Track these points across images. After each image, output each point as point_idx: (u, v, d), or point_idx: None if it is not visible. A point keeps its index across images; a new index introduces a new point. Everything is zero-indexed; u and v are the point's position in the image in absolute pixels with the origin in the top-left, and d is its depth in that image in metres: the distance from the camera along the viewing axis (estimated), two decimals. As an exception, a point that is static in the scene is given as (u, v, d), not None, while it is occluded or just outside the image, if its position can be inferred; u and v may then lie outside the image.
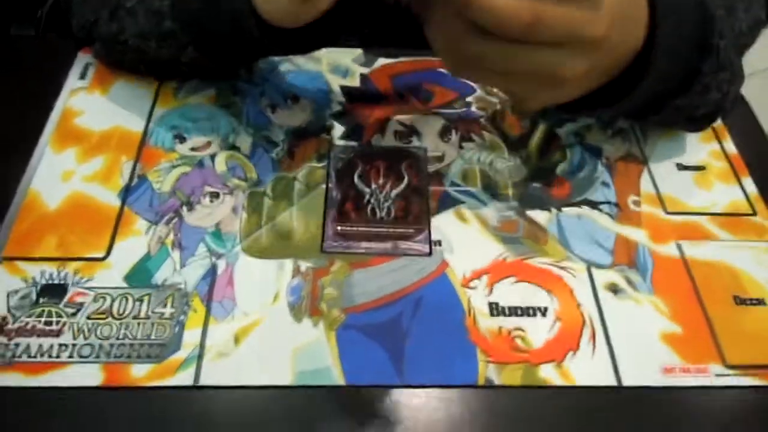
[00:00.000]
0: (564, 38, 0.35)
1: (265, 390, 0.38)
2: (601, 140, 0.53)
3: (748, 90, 0.52)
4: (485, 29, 0.33)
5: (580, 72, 0.37)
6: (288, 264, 0.43)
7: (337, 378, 0.38)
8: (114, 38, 0.51)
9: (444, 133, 0.53)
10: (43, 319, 0.40)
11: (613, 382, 0.39)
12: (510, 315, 0.42)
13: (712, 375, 0.40)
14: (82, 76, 0.55)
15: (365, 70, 0.57)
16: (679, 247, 0.46)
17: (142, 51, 0.50)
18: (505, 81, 0.38)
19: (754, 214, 0.49)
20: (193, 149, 0.50)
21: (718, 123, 0.54)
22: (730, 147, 0.54)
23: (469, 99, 0.55)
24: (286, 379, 0.38)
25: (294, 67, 0.57)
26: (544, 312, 0.42)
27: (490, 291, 0.43)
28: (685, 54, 0.43)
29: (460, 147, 0.52)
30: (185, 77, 0.55)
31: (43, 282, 0.42)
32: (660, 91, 0.44)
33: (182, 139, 0.51)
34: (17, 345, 0.39)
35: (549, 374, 0.39)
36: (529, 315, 0.42)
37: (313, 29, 0.42)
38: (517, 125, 0.54)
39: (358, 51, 0.59)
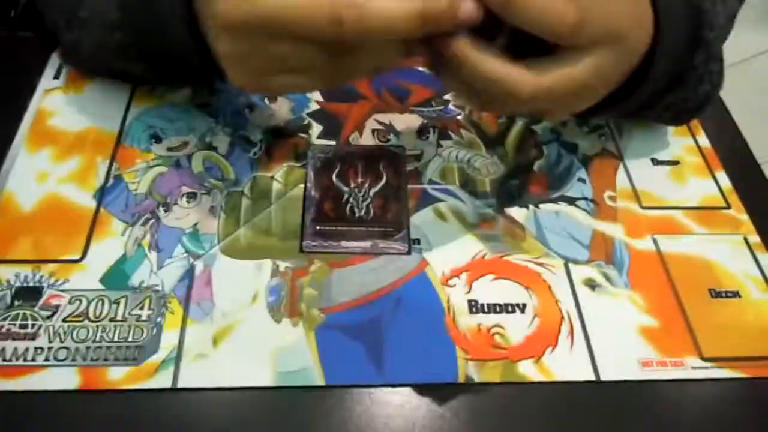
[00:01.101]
0: (602, 37, 0.35)
1: (244, 391, 0.38)
2: (577, 137, 0.53)
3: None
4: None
5: (612, 71, 0.37)
6: (267, 264, 0.43)
7: (318, 378, 0.38)
8: (72, 47, 0.50)
9: (422, 132, 0.53)
10: (18, 323, 0.39)
11: (591, 376, 0.39)
12: (489, 312, 0.42)
13: (689, 368, 0.40)
14: (57, 76, 0.55)
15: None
16: (654, 241, 0.47)
17: (98, 61, 0.50)
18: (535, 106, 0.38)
19: (728, 207, 0.50)
20: (169, 149, 0.50)
21: (692, 118, 0.55)
22: (704, 141, 0.54)
23: (446, 97, 0.56)
24: (266, 380, 0.38)
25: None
26: (522, 309, 0.42)
27: (470, 289, 0.43)
28: (681, 51, 0.43)
29: (438, 145, 0.52)
30: (146, 85, 0.54)
31: (18, 285, 0.41)
32: (656, 89, 0.44)
33: (158, 139, 0.50)
34: (-9, 350, 0.38)
35: (528, 370, 0.39)
36: (507, 312, 0.42)
37: None
38: (494, 123, 0.54)
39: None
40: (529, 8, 0.33)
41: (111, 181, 0.47)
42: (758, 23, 2.28)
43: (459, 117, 0.54)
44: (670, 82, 0.45)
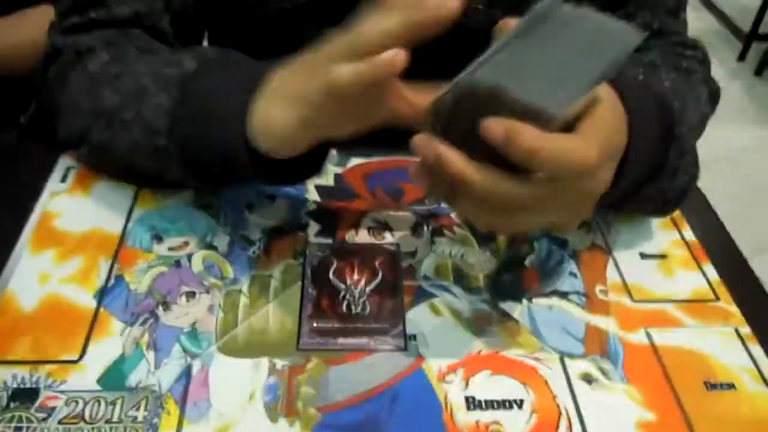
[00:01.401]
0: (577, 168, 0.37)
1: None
2: (566, 232, 0.55)
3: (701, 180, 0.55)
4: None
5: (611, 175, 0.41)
6: (264, 363, 0.43)
7: (314, 479, 0.38)
8: (104, 147, 0.52)
9: (416, 229, 0.54)
10: (13, 425, 0.39)
11: (591, 474, 0.39)
12: (487, 408, 0.42)
13: (689, 464, 0.40)
14: (63, 179, 0.57)
15: (339, 170, 0.59)
16: (648, 334, 0.47)
17: (130, 162, 0.52)
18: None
19: (717, 299, 0.50)
20: (170, 249, 0.51)
21: (677, 213, 0.57)
22: (690, 235, 0.56)
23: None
24: (262, 482, 0.37)
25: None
26: (520, 404, 0.42)
27: (467, 385, 0.43)
28: (654, 147, 0.46)
29: (432, 242, 0.53)
30: (164, 187, 0.56)
31: (15, 386, 0.41)
32: (634, 183, 0.47)
33: (159, 239, 0.52)
34: (-15, 454, 0.38)
35: (527, 468, 0.39)
36: (505, 408, 0.42)
37: (301, 161, 0.45)
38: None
39: (333, 151, 0.61)
40: (555, 157, 0.35)
41: (112, 281, 0.48)
42: (741, 120, 2.37)
43: (452, 214, 0.56)
44: (648, 175, 0.48)
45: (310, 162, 0.48)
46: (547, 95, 0.33)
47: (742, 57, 2.63)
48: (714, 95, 0.60)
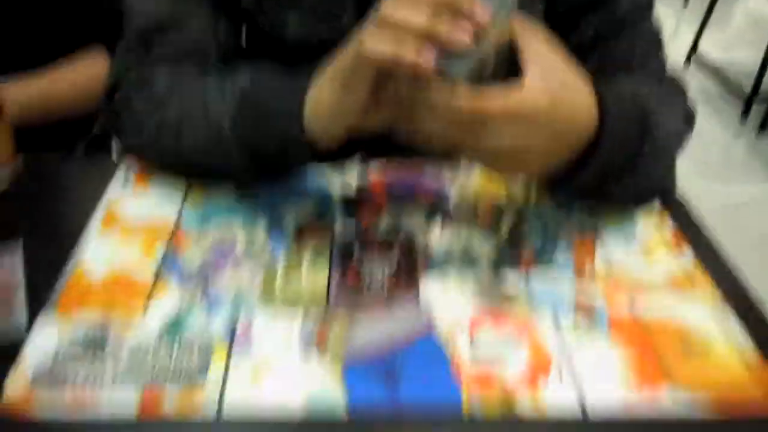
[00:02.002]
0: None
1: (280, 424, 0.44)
2: (560, 221, 0.63)
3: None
4: None
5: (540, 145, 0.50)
6: (299, 313, 0.51)
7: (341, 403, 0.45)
8: (171, 150, 0.63)
9: (429, 218, 0.63)
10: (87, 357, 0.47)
11: (577, 408, 0.45)
12: (488, 361, 0.49)
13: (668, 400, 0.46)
14: (124, 183, 0.66)
15: (361, 181, 0.69)
16: (631, 303, 0.54)
17: (196, 160, 0.63)
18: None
19: (695, 283, 0.58)
20: (217, 230, 0.60)
21: (666, 215, 0.65)
22: (671, 225, 0.63)
23: (447, 198, 0.66)
24: (298, 410, 0.44)
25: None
26: (517, 355, 0.49)
27: (471, 341, 0.50)
28: (629, 138, 0.55)
29: (442, 228, 0.62)
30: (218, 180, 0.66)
31: (86, 337, 0.49)
32: (609, 167, 0.55)
33: (208, 223, 0.60)
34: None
35: (524, 405, 0.45)
36: (504, 359, 0.49)
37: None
38: (489, 216, 0.64)
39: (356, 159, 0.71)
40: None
41: (169, 256, 0.57)
42: (747, 177, 2.45)
43: (460, 212, 0.64)
44: (621, 165, 0.56)
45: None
46: None
47: (744, 117, 2.73)
48: (689, 117, 0.68)
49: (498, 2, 0.47)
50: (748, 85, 2.73)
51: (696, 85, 3.06)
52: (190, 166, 0.64)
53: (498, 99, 0.48)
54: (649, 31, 0.71)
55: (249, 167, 0.60)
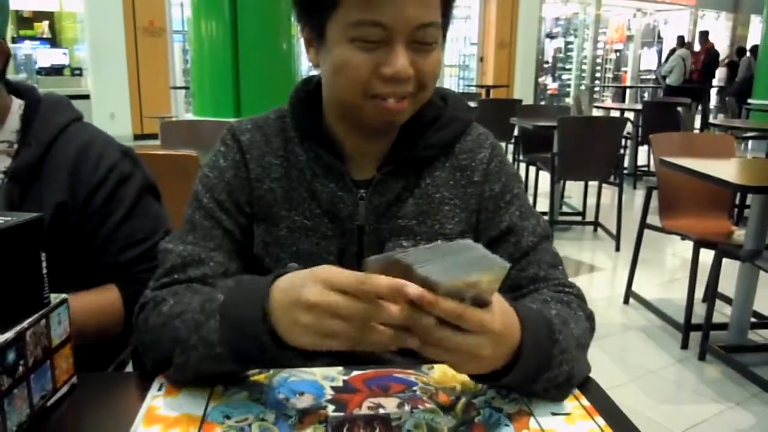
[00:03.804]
0: (478, 328, 0.69)
1: None
2: (502, 403, 0.81)
3: None
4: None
5: (490, 353, 0.70)
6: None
7: None
8: (183, 366, 0.81)
9: (400, 406, 0.81)
10: None
11: None
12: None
13: None
14: (159, 389, 0.83)
15: (346, 377, 0.87)
16: (558, 455, 0.71)
17: (202, 370, 0.81)
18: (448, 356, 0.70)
19: (606, 437, 0.75)
20: (236, 422, 0.76)
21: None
22: (585, 402, 0.82)
23: (414, 389, 0.85)
24: None
25: (299, 378, 0.87)
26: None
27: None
28: (541, 345, 0.77)
29: (411, 412, 0.79)
30: (224, 383, 0.84)
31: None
32: (532, 367, 0.76)
33: (228, 418, 0.77)
34: None
35: None
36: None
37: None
38: (447, 399, 0.82)
39: (341, 367, 0.89)
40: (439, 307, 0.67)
41: (199, 441, 0.73)
42: (697, 399, 2.64)
43: (423, 396, 0.82)
44: (540, 365, 0.77)
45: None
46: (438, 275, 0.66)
47: (684, 346, 2.99)
48: (590, 317, 0.92)
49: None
50: (681, 318, 3.05)
51: (637, 320, 3.38)
52: (198, 376, 0.83)
53: (477, 315, 0.69)
54: (547, 252, 0.98)
55: (242, 368, 0.79)
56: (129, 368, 1.28)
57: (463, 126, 1.01)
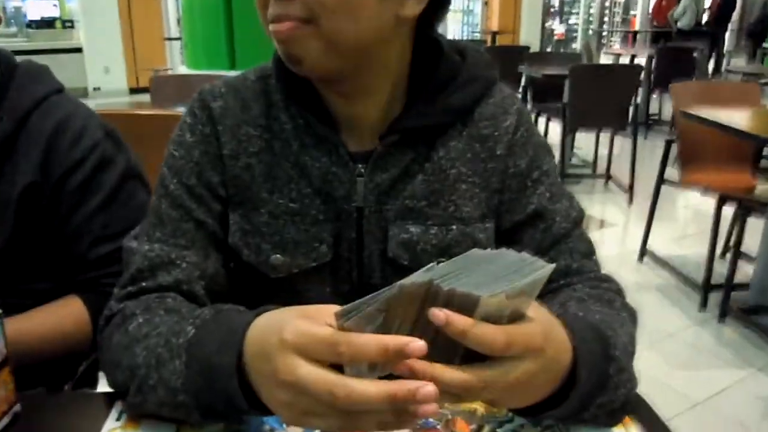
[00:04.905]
0: (525, 351, 0.53)
1: None
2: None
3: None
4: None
5: (533, 376, 0.54)
6: None
7: None
8: (138, 405, 0.67)
9: (411, 437, 0.66)
10: None
11: None
12: None
13: None
14: (118, 419, 0.69)
15: None
16: None
17: (160, 414, 0.66)
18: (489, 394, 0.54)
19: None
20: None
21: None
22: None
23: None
24: None
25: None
26: None
27: None
28: (597, 365, 0.62)
29: (426, 447, 0.65)
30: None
31: None
32: (586, 394, 0.61)
33: (199, 458, 0.63)
34: None
35: None
36: None
37: None
38: (466, 428, 0.68)
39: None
40: (473, 336, 0.50)
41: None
42: (715, 364, 2.51)
43: (438, 425, 0.68)
44: (594, 389, 0.62)
45: None
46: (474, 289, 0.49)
47: (703, 306, 2.86)
48: (633, 316, 0.77)
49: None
50: (699, 276, 2.91)
51: (652, 279, 3.24)
52: (158, 418, 0.68)
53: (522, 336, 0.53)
54: (582, 240, 0.82)
55: (207, 419, 0.64)
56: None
57: (484, 87, 0.82)
